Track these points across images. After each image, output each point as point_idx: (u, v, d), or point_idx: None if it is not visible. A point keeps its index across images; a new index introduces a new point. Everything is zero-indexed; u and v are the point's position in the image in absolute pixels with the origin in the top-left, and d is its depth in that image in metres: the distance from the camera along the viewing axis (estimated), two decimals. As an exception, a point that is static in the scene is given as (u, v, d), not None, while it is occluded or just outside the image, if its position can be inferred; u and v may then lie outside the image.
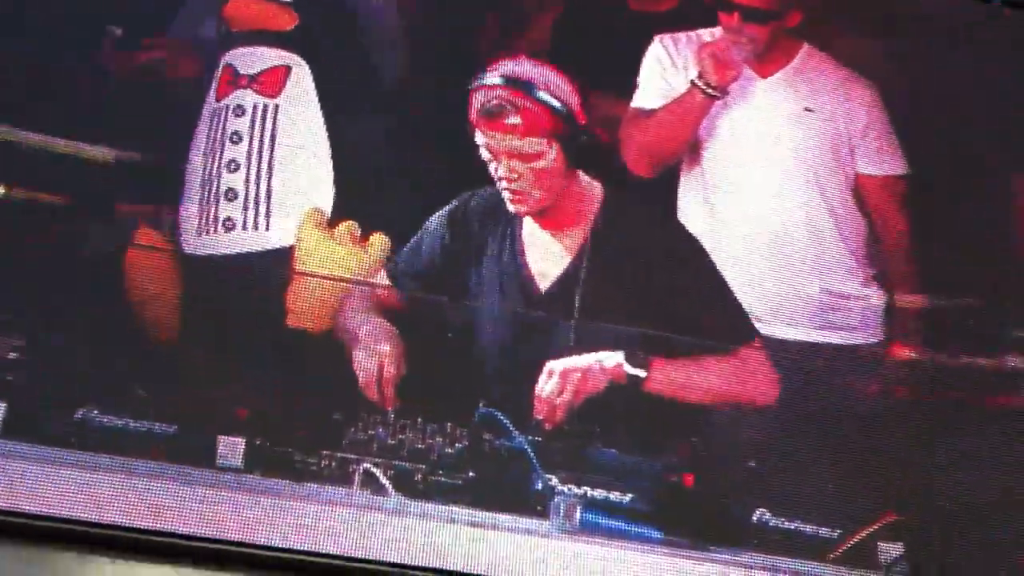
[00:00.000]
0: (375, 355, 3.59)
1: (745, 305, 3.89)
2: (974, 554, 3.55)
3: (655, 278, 3.74)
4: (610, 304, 3.70)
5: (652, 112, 3.99)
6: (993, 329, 3.94)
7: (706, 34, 4.05)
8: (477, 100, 3.66)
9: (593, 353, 3.63)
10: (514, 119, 3.63)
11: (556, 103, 3.65)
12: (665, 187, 3.95)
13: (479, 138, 3.68)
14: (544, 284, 3.74)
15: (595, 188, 3.76)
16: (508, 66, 3.69)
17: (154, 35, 3.90)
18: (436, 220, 3.78)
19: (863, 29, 4.16)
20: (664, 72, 4.02)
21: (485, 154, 3.69)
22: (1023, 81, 4.13)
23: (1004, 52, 4.14)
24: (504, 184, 3.68)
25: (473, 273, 3.73)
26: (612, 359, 3.62)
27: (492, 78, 3.67)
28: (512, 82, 3.64)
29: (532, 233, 3.76)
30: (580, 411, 3.61)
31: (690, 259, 3.78)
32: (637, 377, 3.60)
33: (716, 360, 3.70)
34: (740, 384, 3.69)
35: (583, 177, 3.74)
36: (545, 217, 3.74)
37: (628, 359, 3.62)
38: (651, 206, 3.88)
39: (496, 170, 3.68)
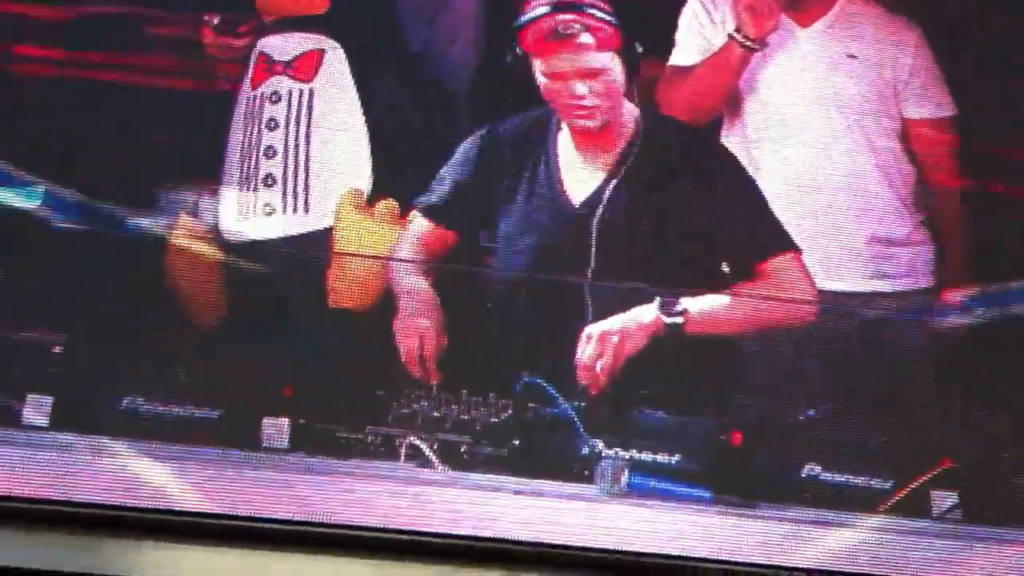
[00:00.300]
0: (416, 330, 3.60)
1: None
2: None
3: (690, 198, 3.73)
4: (639, 226, 3.71)
5: (690, 69, 3.95)
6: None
7: None
8: (536, 30, 3.68)
9: (628, 312, 3.61)
10: (586, 37, 3.68)
11: (614, 18, 3.70)
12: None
13: (542, 67, 3.70)
14: (578, 200, 3.75)
15: (634, 110, 3.78)
16: None
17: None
18: (464, 149, 3.81)
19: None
20: (702, 28, 3.98)
21: (548, 81, 3.70)
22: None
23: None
24: (574, 102, 3.70)
25: (504, 201, 3.76)
26: (648, 313, 3.61)
27: (540, 8, 3.70)
28: (566, 6, 3.68)
29: (569, 152, 3.78)
30: (625, 372, 3.59)
31: (727, 177, 3.78)
32: (676, 324, 3.58)
33: (750, 283, 3.67)
34: (777, 303, 3.65)
35: (627, 99, 3.77)
36: (585, 135, 3.76)
37: (663, 309, 3.61)
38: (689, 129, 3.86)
39: (565, 91, 3.69)
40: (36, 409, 3.43)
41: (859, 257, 3.93)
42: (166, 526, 3.28)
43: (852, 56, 3.99)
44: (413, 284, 3.69)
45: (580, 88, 3.69)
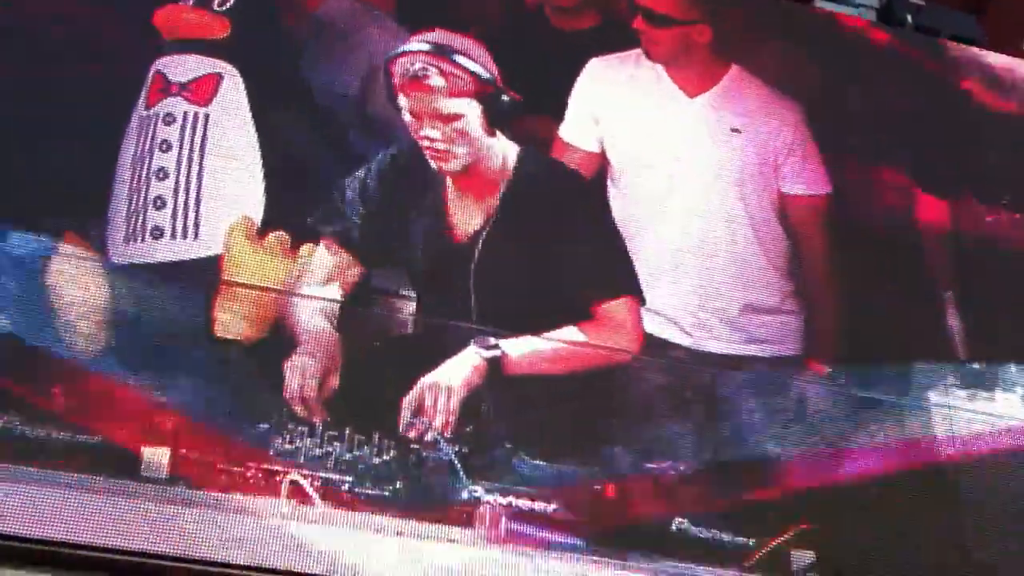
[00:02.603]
0: (303, 369, 3.49)
1: (672, 317, 3.84)
2: (879, 554, 3.51)
3: (557, 236, 3.72)
4: (507, 264, 3.70)
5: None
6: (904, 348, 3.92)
7: (633, 55, 4.00)
8: (400, 66, 3.70)
9: (450, 360, 3.57)
10: (437, 80, 3.68)
11: (476, 66, 3.70)
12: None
13: (402, 101, 3.71)
14: (463, 239, 3.73)
15: (513, 150, 3.76)
16: (427, 35, 3.74)
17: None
18: (354, 179, 3.76)
19: (784, 47, 4.13)
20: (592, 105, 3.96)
21: (407, 117, 3.72)
22: (930, 102, 4.13)
23: (916, 74, 4.14)
24: (427, 143, 3.71)
25: (395, 229, 3.73)
26: (465, 354, 3.58)
27: (413, 45, 3.72)
28: (434, 47, 3.70)
29: (452, 193, 3.76)
30: (492, 421, 3.54)
31: (590, 219, 3.79)
32: (495, 359, 3.56)
33: (578, 325, 3.66)
34: (599, 339, 3.66)
35: (502, 139, 3.75)
36: (465, 177, 3.74)
37: (477, 345, 3.58)
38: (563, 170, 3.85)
39: (419, 131, 3.70)
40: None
41: (733, 321, 3.94)
42: (29, 555, 3.07)
43: (735, 130, 4.02)
44: (314, 322, 3.57)
45: (431, 131, 3.68)
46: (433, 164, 3.72)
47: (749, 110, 4.01)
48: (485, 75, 3.69)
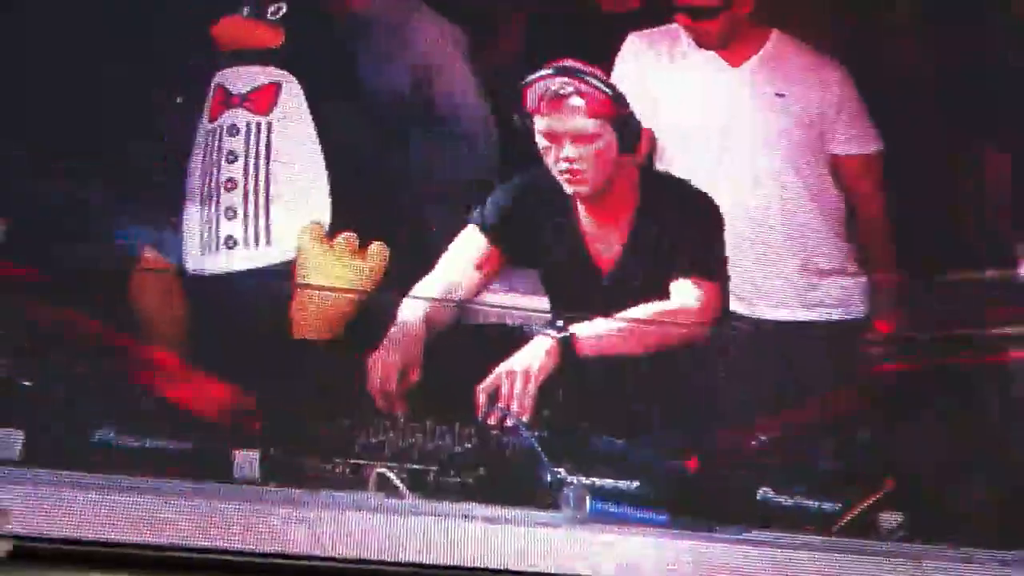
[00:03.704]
0: (385, 364, 3.51)
1: (732, 289, 3.82)
2: (969, 514, 3.49)
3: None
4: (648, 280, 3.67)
5: None
6: (972, 299, 3.87)
7: (673, 28, 3.97)
8: (537, 89, 3.65)
9: (524, 347, 3.56)
10: (577, 100, 3.63)
11: (609, 89, 3.67)
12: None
13: (539, 124, 3.66)
14: (605, 266, 3.71)
15: (635, 174, 3.73)
16: (558, 63, 3.69)
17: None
18: (509, 187, 3.76)
19: (827, 7, 4.08)
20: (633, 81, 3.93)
21: (543, 141, 3.66)
22: (992, 54, 4.06)
23: (974, 26, 4.07)
24: (564, 165, 3.65)
25: (529, 247, 3.72)
26: (537, 339, 3.56)
27: (544, 71, 3.67)
28: (567, 70, 3.65)
29: (585, 219, 3.72)
30: (568, 404, 3.53)
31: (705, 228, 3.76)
32: (566, 339, 3.53)
33: (649, 304, 3.63)
34: (671, 314, 3.62)
35: (628, 164, 3.71)
36: (596, 203, 3.71)
37: (547, 328, 3.57)
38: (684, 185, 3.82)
39: (556, 153, 3.65)
40: (6, 444, 3.25)
41: (794, 287, 3.92)
42: (138, 560, 3.12)
43: (780, 95, 3.98)
44: (402, 315, 3.57)
45: (569, 151, 3.63)
46: (568, 188, 3.67)
47: (793, 74, 3.97)
48: (617, 96, 3.66)
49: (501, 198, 3.76)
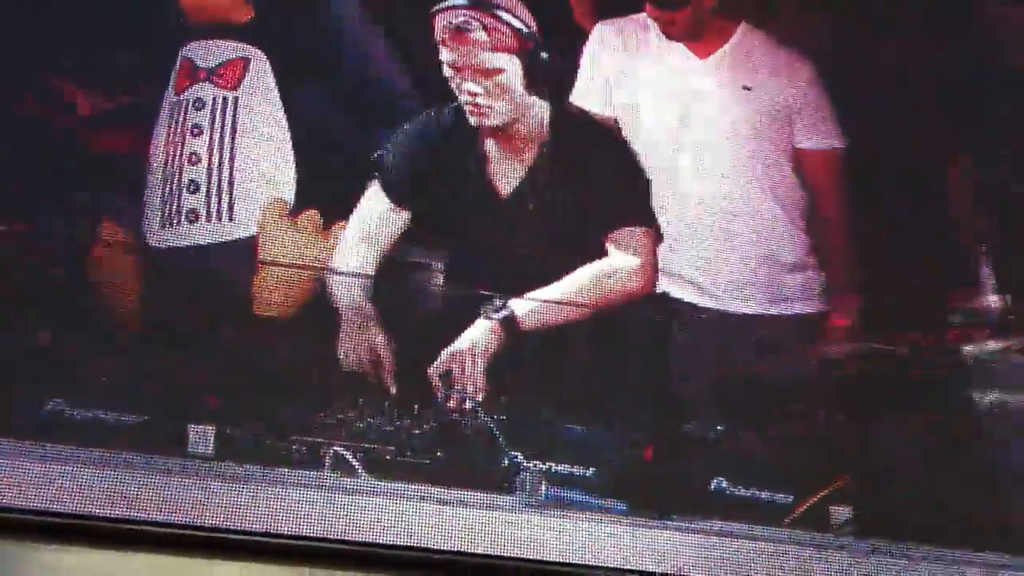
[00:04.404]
0: (370, 343, 3.49)
1: (692, 279, 3.80)
2: (916, 510, 3.49)
3: (592, 188, 3.66)
4: (536, 224, 3.63)
5: None
6: (927, 303, 3.87)
7: (640, 19, 3.94)
8: (444, 19, 3.61)
9: (467, 329, 3.54)
10: (480, 35, 3.59)
11: (518, 22, 3.61)
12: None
13: (444, 55, 3.62)
14: (505, 193, 3.66)
15: (546, 110, 3.68)
16: None
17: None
18: (402, 135, 3.70)
19: (797, 3, 4.07)
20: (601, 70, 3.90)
21: (448, 71, 3.64)
22: (956, 58, 4.05)
23: (942, 30, 4.06)
24: (467, 98, 3.63)
25: (437, 185, 3.66)
26: (479, 322, 3.54)
27: (455, 0, 3.62)
28: (477, 2, 3.60)
29: (491, 150, 3.68)
30: (527, 390, 3.51)
31: (619, 166, 3.72)
32: (507, 319, 3.51)
33: (588, 264, 3.60)
34: (612, 275, 3.59)
35: (537, 99, 3.67)
36: (503, 135, 3.67)
37: (487, 309, 3.54)
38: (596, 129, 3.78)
39: (459, 85, 3.62)
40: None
41: (756, 281, 3.90)
42: (86, 531, 3.06)
43: (747, 88, 3.96)
44: (352, 298, 3.53)
45: (472, 86, 3.60)
46: (472, 120, 3.64)
47: (759, 67, 3.95)
48: (527, 31, 3.61)
49: (400, 149, 3.70)
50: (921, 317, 3.85)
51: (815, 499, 3.47)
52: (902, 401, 3.68)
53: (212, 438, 3.28)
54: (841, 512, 3.46)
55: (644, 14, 3.94)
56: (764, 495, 3.47)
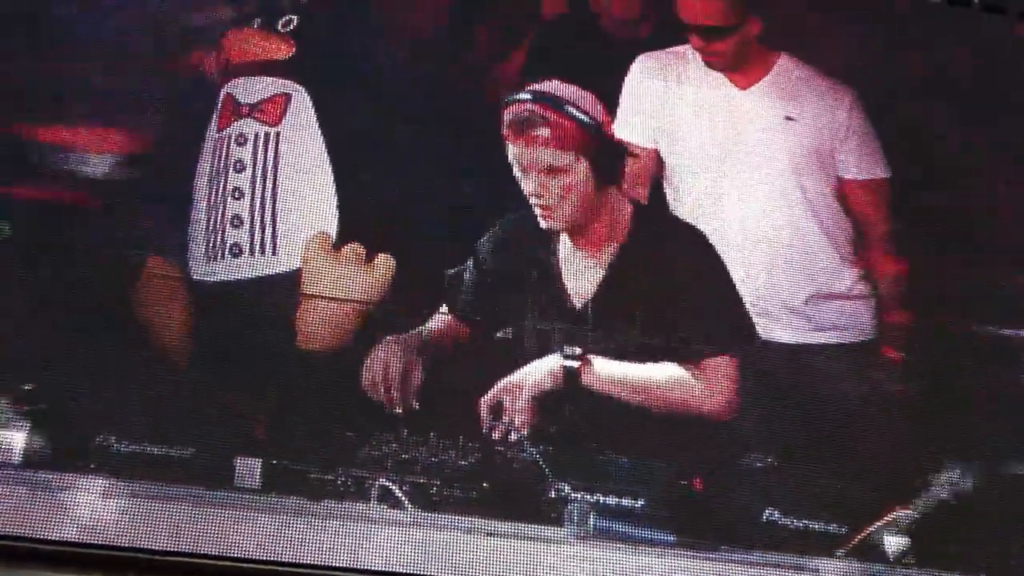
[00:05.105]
0: (385, 359, 3.43)
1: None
2: (975, 541, 3.40)
3: (676, 291, 3.57)
4: (624, 315, 3.53)
5: None
6: (977, 326, 3.80)
7: (682, 51, 3.91)
8: (508, 114, 3.50)
9: (535, 361, 3.46)
10: (543, 131, 3.46)
11: (583, 117, 3.49)
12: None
13: (510, 152, 3.51)
14: (578, 302, 3.56)
15: (626, 206, 3.57)
16: (537, 85, 3.55)
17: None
18: (483, 243, 3.60)
19: (834, 31, 4.02)
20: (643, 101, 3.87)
21: (516, 171, 3.52)
22: (995, 81, 3.99)
23: (981, 54, 4.01)
24: (534, 200, 3.50)
25: (506, 295, 3.56)
26: (549, 359, 3.45)
27: (522, 95, 3.52)
28: (540, 96, 3.48)
29: (567, 251, 3.57)
30: (575, 421, 3.44)
31: (706, 270, 3.61)
32: (571, 369, 3.40)
33: (674, 365, 3.51)
34: (688, 392, 3.49)
35: (615, 194, 3.56)
36: (579, 235, 3.56)
37: (564, 354, 3.44)
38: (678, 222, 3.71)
39: (526, 185, 3.50)
40: (6, 447, 3.17)
41: (801, 310, 3.84)
42: (137, 564, 3.03)
43: (790, 118, 3.92)
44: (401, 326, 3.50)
45: (539, 184, 3.48)
46: (542, 224, 3.53)
47: (801, 97, 3.91)
48: (588, 121, 3.48)
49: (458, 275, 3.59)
50: (974, 346, 3.77)
51: (870, 529, 3.38)
52: (957, 432, 3.60)
53: (259, 471, 3.24)
54: (898, 542, 3.37)
55: (686, 46, 3.91)
56: (817, 526, 3.39)
